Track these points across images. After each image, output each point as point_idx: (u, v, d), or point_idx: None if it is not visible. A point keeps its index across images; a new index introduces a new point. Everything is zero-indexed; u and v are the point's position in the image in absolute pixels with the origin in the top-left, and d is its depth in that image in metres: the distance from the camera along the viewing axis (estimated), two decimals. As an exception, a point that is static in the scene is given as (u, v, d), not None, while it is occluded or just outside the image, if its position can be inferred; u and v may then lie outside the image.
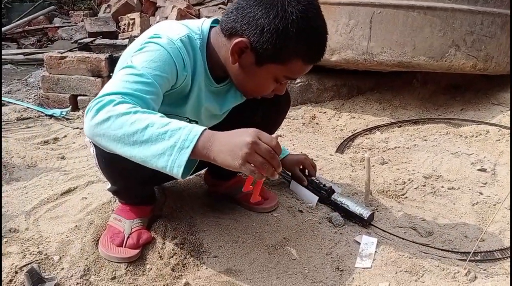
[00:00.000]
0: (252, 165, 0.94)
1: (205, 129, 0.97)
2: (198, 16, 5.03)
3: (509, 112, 2.42)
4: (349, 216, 1.52)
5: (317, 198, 1.60)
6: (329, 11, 2.53)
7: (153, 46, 1.10)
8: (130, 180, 1.31)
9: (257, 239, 1.41)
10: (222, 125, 1.43)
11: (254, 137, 0.94)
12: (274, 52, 1.13)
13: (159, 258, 1.30)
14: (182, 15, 4.69)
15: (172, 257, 1.31)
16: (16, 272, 1.24)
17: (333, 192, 1.60)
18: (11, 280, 1.22)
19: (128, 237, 1.34)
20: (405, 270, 1.30)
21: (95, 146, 1.13)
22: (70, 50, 3.10)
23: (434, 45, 2.43)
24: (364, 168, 1.90)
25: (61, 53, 2.84)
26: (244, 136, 0.94)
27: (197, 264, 1.29)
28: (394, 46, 2.48)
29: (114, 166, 1.22)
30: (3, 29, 5.18)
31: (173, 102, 1.22)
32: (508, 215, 1.59)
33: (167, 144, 0.92)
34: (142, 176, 1.24)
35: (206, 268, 1.28)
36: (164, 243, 1.37)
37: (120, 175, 1.29)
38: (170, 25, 1.23)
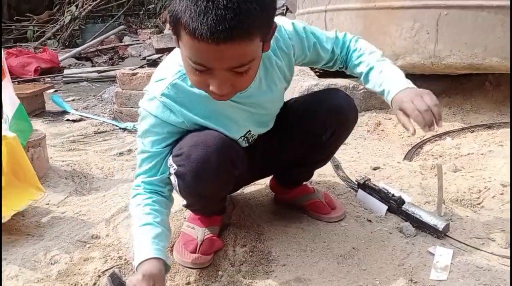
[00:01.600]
0: None
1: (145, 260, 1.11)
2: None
3: None
4: (422, 227, 1.47)
5: (386, 207, 1.57)
6: (392, 15, 2.48)
7: (143, 113, 1.21)
8: (207, 202, 1.38)
9: (326, 249, 1.41)
10: (291, 143, 1.45)
11: None
12: (170, 23, 0.98)
13: (230, 265, 1.34)
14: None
15: (242, 264, 1.34)
16: (99, 276, 1.34)
17: (403, 201, 1.55)
18: (94, 284, 1.31)
19: (201, 244, 1.39)
20: (484, 283, 1.23)
21: (175, 175, 1.20)
22: (141, 67, 3.29)
23: (508, 45, 2.30)
24: (435, 175, 1.83)
25: (133, 70, 3.02)
26: None
27: (266, 272, 1.31)
28: (463, 48, 2.38)
29: (194, 196, 1.31)
30: (79, 49, 5.59)
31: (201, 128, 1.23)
32: None
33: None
34: (219, 199, 1.39)
35: (276, 276, 1.30)
36: (235, 251, 1.40)
37: (198, 200, 1.36)
38: (166, 65, 1.23)
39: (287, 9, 5.72)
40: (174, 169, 1.18)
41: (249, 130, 1.33)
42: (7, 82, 1.97)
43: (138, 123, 1.25)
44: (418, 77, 2.64)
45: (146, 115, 1.20)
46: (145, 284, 1.02)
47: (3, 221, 1.54)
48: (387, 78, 1.28)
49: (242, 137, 1.33)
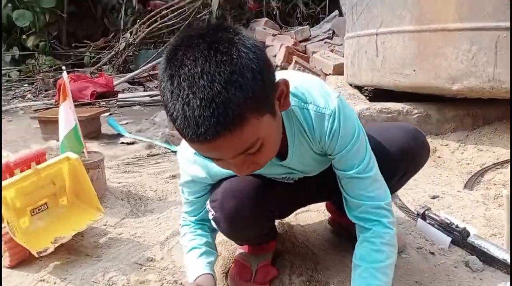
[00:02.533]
0: None
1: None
2: (305, 52, 5.15)
3: None
4: (490, 261, 1.38)
5: (450, 239, 1.49)
6: (447, 38, 2.41)
7: (180, 167, 1.25)
8: (249, 239, 1.40)
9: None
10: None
11: None
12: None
13: (287, 295, 1.31)
14: (289, 53, 4.85)
15: (299, 294, 1.31)
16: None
17: (468, 233, 1.47)
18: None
19: (256, 272, 1.38)
20: None
21: (213, 220, 1.22)
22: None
23: None
24: (500, 206, 1.74)
25: (185, 94, 3.09)
26: None
27: (325, 303, 1.27)
28: (525, 71, 2.27)
29: (234, 239, 1.39)
30: (132, 74, 5.83)
31: None
32: None
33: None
34: (260, 235, 1.38)
35: (335, 308, 1.25)
36: (291, 279, 1.38)
37: (240, 241, 1.41)
38: None
39: (334, 33, 5.72)
40: (212, 215, 1.20)
41: (286, 177, 1.27)
42: (67, 103, 2.08)
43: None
44: (475, 101, 2.55)
45: (182, 171, 1.25)
46: None
47: (64, 240, 1.59)
48: None
49: (282, 178, 1.28)
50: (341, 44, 4.74)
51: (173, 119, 0.84)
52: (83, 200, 1.75)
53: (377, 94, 3.05)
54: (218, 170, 1.12)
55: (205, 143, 0.83)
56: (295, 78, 1.08)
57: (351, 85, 3.22)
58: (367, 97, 2.94)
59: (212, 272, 1.22)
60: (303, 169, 1.21)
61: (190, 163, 1.20)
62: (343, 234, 1.60)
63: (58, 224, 1.66)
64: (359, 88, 3.15)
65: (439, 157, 2.37)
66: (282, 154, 1.12)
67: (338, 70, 3.74)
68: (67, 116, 2.07)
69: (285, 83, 0.94)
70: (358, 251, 1.14)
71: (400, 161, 1.26)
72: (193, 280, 1.18)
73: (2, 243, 1.54)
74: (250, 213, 1.16)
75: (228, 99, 0.79)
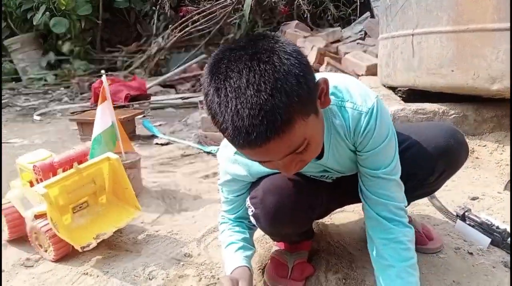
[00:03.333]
0: None
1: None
2: (336, 53, 5.12)
3: None
4: (532, 262, 1.35)
5: (490, 239, 1.46)
6: (487, 38, 2.36)
7: (220, 166, 1.29)
8: (287, 236, 1.42)
9: (424, 281, 1.33)
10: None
11: None
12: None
13: (324, 292, 1.32)
14: (321, 54, 4.83)
15: (336, 291, 1.31)
16: (196, 295, 1.37)
17: (509, 234, 1.44)
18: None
19: (292, 269, 1.39)
20: None
21: (252, 217, 1.24)
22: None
23: None
24: (543, 207, 1.69)
25: (218, 96, 3.13)
26: None
27: (362, 301, 1.27)
28: None
29: (273, 236, 1.42)
30: (164, 77, 5.95)
31: None
32: None
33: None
34: (298, 233, 1.39)
35: (372, 306, 1.25)
36: (327, 277, 1.38)
37: (279, 238, 1.43)
38: None
39: (365, 34, 5.67)
40: (252, 211, 1.22)
41: (323, 175, 1.28)
42: (106, 105, 2.15)
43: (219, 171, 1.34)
44: (515, 102, 2.48)
45: (222, 170, 1.28)
46: (227, 281, 1.11)
47: (105, 237, 1.65)
48: None
49: (320, 176, 1.29)
50: (374, 45, 4.69)
51: (223, 130, 0.87)
52: (122, 199, 1.80)
53: (411, 95, 3.00)
54: (259, 168, 1.14)
55: (256, 148, 0.86)
56: (334, 78, 1.10)
57: (384, 86, 3.18)
58: (401, 98, 2.90)
59: (249, 265, 1.24)
60: (339, 168, 1.22)
61: (231, 162, 1.23)
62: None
63: (98, 221, 1.72)
64: (393, 89, 3.11)
65: (477, 158, 2.32)
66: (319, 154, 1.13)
67: (371, 71, 3.70)
68: (103, 117, 2.15)
69: (325, 81, 0.96)
70: (387, 252, 1.14)
71: (438, 159, 1.25)
72: (230, 272, 1.20)
73: (47, 238, 1.61)
74: (290, 210, 1.17)
75: (275, 105, 0.82)
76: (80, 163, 1.71)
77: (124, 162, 2.12)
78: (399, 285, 1.10)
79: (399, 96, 2.95)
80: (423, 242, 1.48)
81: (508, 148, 2.36)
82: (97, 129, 2.11)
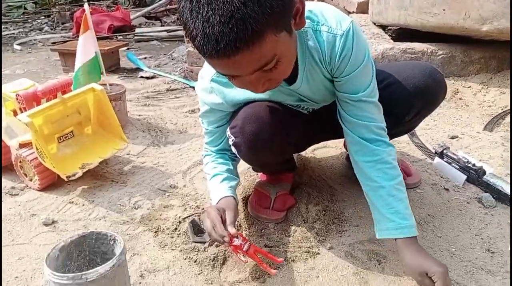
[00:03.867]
0: None
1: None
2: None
3: None
4: (503, 198, 1.41)
5: (465, 176, 1.52)
6: (481, -24, 2.30)
7: (199, 98, 1.28)
8: (269, 167, 1.45)
9: (399, 213, 1.40)
10: None
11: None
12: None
13: (303, 222, 1.37)
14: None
15: (315, 222, 1.37)
16: (180, 222, 1.42)
17: (484, 172, 1.49)
18: (175, 229, 1.39)
19: (274, 200, 1.43)
20: None
21: (233, 146, 1.24)
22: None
23: None
24: (519, 147, 1.74)
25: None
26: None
27: (339, 231, 1.33)
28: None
29: (254, 164, 1.43)
30: (149, 8, 5.71)
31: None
32: None
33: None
34: (281, 162, 1.42)
35: (349, 236, 1.31)
36: (308, 209, 1.43)
37: (260, 167, 1.45)
38: None
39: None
40: (232, 140, 1.23)
41: (299, 105, 1.28)
42: (89, 35, 2.08)
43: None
44: (503, 44, 2.47)
45: (200, 101, 1.29)
46: (214, 212, 1.15)
47: (91, 167, 1.67)
48: (407, 208, 1.14)
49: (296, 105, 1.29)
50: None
51: (193, 38, 0.84)
52: (107, 130, 1.80)
53: (401, 34, 2.95)
54: (234, 96, 1.18)
55: (224, 59, 0.84)
56: (309, 3, 1.07)
57: (375, 24, 3.12)
58: (391, 37, 2.86)
59: (234, 194, 1.27)
60: (313, 96, 1.21)
61: (207, 93, 1.22)
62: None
63: (84, 152, 1.73)
64: (383, 27, 3.05)
65: (460, 99, 2.34)
66: (291, 79, 1.12)
67: (362, 8, 3.60)
68: (86, 47, 2.09)
69: (301, 1, 0.93)
70: (374, 174, 1.15)
71: (415, 98, 1.27)
72: (216, 202, 1.24)
73: (32, 167, 1.62)
74: (269, 136, 1.18)
75: (247, 14, 0.79)
76: (64, 93, 1.69)
77: (109, 94, 2.09)
78: (392, 202, 1.12)
79: (389, 35, 2.90)
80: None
81: (493, 89, 2.39)
82: (80, 60, 2.05)
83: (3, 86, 1.77)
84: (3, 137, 1.72)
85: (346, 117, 1.17)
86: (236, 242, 1.13)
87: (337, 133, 1.28)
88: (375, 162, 1.15)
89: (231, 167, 1.35)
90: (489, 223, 1.34)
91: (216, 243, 1.29)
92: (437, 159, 1.63)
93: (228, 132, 1.23)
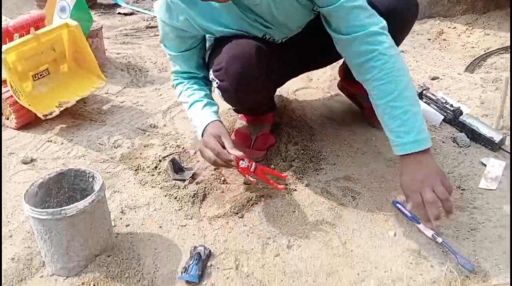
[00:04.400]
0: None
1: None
2: None
3: None
4: (477, 138, 1.45)
5: (442, 117, 1.54)
6: None
7: (158, 19, 1.22)
8: (253, 108, 1.43)
9: (376, 153, 1.43)
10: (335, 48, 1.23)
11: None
12: None
13: (282, 160, 1.40)
14: None
15: (294, 160, 1.39)
16: (160, 161, 1.43)
17: (461, 112, 1.52)
18: (156, 167, 1.41)
19: (255, 139, 1.44)
20: (535, 196, 1.23)
21: (218, 89, 1.22)
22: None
23: None
24: (497, 89, 1.76)
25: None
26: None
27: (316, 169, 1.36)
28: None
29: (239, 105, 1.39)
30: None
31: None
32: None
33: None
34: (265, 103, 1.40)
35: (325, 174, 1.34)
36: (287, 148, 1.45)
37: (244, 108, 1.43)
38: None
39: None
40: (217, 83, 1.20)
41: (264, 35, 1.25)
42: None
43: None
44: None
45: (158, 22, 1.23)
46: (212, 140, 1.14)
47: (68, 105, 1.64)
48: (402, 125, 1.08)
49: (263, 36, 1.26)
50: None
51: None
52: (84, 67, 1.75)
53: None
54: (195, 16, 1.16)
55: None
56: None
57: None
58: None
59: (219, 118, 1.24)
60: (274, 19, 1.18)
61: (165, 11, 1.17)
62: (349, 98, 1.68)
63: (60, 90, 1.69)
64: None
65: (444, 40, 2.32)
66: None
67: None
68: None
69: None
70: (371, 93, 1.13)
71: (386, 19, 1.18)
72: (203, 128, 1.20)
73: (8, 105, 1.58)
74: (254, 74, 1.16)
75: None
76: (37, 28, 1.62)
77: (84, 30, 2.02)
78: (386, 121, 1.11)
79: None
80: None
81: (477, 30, 2.36)
82: (70, 1, 1.93)
83: None
84: None
85: (340, 38, 1.13)
86: (243, 164, 1.14)
87: (310, 62, 1.25)
88: (368, 81, 1.13)
89: (208, 93, 1.32)
90: (462, 162, 1.38)
91: (196, 180, 1.32)
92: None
93: (212, 76, 1.21)
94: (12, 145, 1.54)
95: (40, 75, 1.64)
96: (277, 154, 1.43)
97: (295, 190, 1.27)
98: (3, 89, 1.60)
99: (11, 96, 1.57)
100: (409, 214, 1.15)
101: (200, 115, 1.24)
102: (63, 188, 1.11)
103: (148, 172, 1.39)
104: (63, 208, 0.96)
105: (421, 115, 1.09)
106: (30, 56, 1.59)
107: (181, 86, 1.32)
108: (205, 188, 1.29)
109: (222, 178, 1.33)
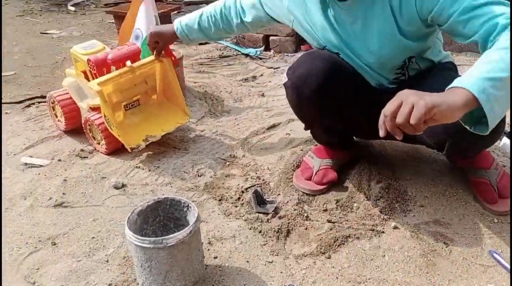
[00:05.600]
0: None
1: None
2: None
3: None
4: None
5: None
6: None
7: None
8: (315, 125, 1.43)
9: (465, 196, 1.37)
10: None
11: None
12: None
13: (366, 199, 1.38)
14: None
15: (379, 199, 1.36)
16: (242, 192, 1.46)
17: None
18: (238, 198, 1.44)
19: (316, 173, 1.44)
20: None
21: (284, 85, 1.30)
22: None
23: None
24: None
25: (259, -5, 2.99)
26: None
27: (404, 210, 1.33)
28: None
29: (297, 112, 1.38)
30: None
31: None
32: None
33: None
34: (322, 125, 1.40)
35: (414, 216, 1.31)
36: (370, 186, 1.43)
37: (303, 118, 1.41)
38: None
39: None
40: (285, 78, 1.28)
41: (338, 52, 1.28)
42: (150, 1, 2.10)
43: None
44: None
45: None
46: (151, 35, 1.60)
47: (154, 140, 1.69)
48: (472, 71, 0.90)
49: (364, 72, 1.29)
50: None
51: None
52: (172, 101, 1.82)
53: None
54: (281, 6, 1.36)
55: None
56: None
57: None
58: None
59: (180, 27, 1.60)
60: (363, 37, 1.19)
61: None
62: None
63: (149, 121, 1.75)
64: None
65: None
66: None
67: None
68: (149, 13, 2.11)
69: None
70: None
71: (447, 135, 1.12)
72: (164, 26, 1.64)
73: (100, 131, 1.67)
74: (316, 84, 1.20)
75: None
76: (133, 61, 1.69)
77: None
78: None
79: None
80: (491, 198, 1.31)
81: None
82: (145, 26, 2.07)
83: (74, 47, 1.82)
84: (73, 97, 1.80)
85: (470, 39, 1.02)
86: None
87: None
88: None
89: (219, 26, 1.56)
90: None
91: (278, 214, 1.33)
92: (505, 139, 1.57)
93: (284, 73, 1.31)
94: (104, 170, 1.63)
95: (132, 105, 1.73)
96: (360, 191, 1.41)
97: (383, 232, 1.24)
98: (96, 115, 1.70)
99: (103, 123, 1.67)
100: (508, 266, 1.09)
101: (184, 17, 1.61)
102: (158, 216, 1.16)
103: (232, 203, 1.42)
104: (164, 237, 1.00)
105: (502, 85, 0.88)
106: (125, 89, 1.68)
107: (219, 8, 1.54)
108: (288, 223, 1.30)
109: (305, 214, 1.34)
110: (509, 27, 0.94)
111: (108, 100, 1.61)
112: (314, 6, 1.25)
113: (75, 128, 1.87)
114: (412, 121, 0.82)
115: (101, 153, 1.75)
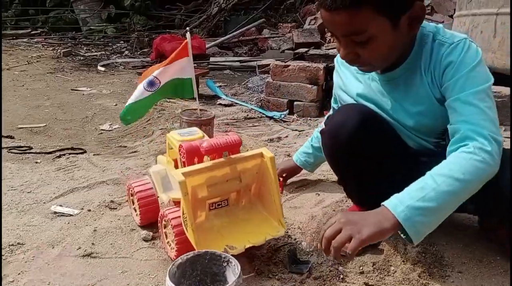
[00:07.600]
0: None
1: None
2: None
3: None
4: None
5: None
6: None
7: None
8: (349, 176, 1.42)
9: (502, 265, 1.33)
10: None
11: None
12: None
13: (403, 263, 1.34)
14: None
15: (416, 264, 1.33)
16: (275, 250, 1.43)
17: None
18: (270, 257, 1.41)
19: None
20: None
21: (320, 133, 1.41)
22: (293, 59, 3.40)
23: None
24: None
25: (285, 62, 3.14)
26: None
27: (442, 276, 1.29)
28: None
29: (330, 160, 1.42)
30: (224, 38, 5.95)
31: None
32: None
33: None
34: (357, 175, 1.38)
35: (453, 282, 1.27)
36: (406, 249, 1.40)
37: (337, 168, 1.43)
38: None
39: (432, 9, 5.42)
40: (322, 127, 1.35)
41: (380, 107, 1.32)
42: (186, 61, 2.23)
43: None
44: None
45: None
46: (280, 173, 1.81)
47: (235, 252, 1.26)
48: (408, 190, 1.04)
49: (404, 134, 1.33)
50: (443, 22, 4.49)
51: None
52: (266, 208, 1.44)
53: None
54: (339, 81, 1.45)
55: (327, 12, 1.05)
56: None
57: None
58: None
59: (299, 159, 1.81)
60: (403, 103, 1.24)
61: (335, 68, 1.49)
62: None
63: (233, 228, 1.38)
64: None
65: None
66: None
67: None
68: (184, 70, 2.24)
69: (422, 7, 1.07)
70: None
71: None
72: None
73: (173, 233, 1.35)
74: (350, 131, 1.24)
75: None
76: (231, 153, 1.36)
77: (200, 119, 2.19)
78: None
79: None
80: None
81: None
82: (163, 78, 2.20)
83: (172, 131, 1.59)
84: (155, 186, 1.56)
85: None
86: None
87: None
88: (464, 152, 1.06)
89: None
90: None
91: (313, 275, 1.29)
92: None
93: (322, 123, 1.40)
94: (133, 221, 1.62)
95: (218, 205, 1.39)
96: (396, 254, 1.38)
97: (424, 297, 1.20)
98: (174, 214, 1.35)
99: (180, 225, 1.31)
100: None
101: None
102: (196, 270, 1.14)
103: (263, 261, 1.39)
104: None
105: (434, 208, 0.99)
106: (214, 184, 1.33)
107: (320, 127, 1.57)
108: (324, 284, 1.26)
109: (341, 276, 1.30)
110: (466, 142, 1.04)
111: (192, 195, 1.28)
112: (351, 79, 1.39)
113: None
114: (348, 251, 0.96)
115: (169, 255, 1.40)
